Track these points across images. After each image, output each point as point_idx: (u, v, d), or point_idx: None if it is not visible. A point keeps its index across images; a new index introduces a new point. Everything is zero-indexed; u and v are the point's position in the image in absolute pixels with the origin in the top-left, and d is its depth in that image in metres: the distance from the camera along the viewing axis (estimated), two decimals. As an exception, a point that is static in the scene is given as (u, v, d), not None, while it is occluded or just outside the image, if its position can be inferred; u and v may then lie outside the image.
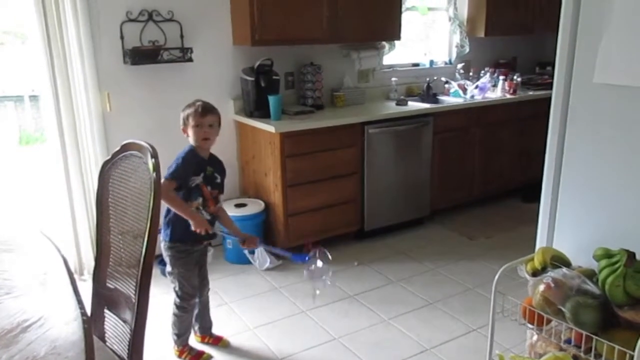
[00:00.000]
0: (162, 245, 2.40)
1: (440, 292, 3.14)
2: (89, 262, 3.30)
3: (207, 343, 2.64)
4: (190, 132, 2.35)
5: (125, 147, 1.83)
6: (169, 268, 2.45)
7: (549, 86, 4.59)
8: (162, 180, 2.16)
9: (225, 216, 2.57)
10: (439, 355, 2.54)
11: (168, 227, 2.39)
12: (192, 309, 2.53)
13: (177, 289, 2.45)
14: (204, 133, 2.34)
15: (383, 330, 2.77)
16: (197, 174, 2.34)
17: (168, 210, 2.37)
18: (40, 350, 1.21)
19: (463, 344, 2.63)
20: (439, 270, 3.42)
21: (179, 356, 2.52)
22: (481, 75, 4.62)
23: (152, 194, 1.63)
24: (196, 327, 2.63)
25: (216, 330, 2.68)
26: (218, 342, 2.64)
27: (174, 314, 2.49)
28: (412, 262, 3.55)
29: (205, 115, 2.33)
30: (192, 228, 2.31)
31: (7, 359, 1.18)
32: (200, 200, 2.36)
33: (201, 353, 2.54)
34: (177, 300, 2.46)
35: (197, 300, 2.53)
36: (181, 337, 2.52)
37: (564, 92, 1.69)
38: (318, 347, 2.63)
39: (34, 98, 6.73)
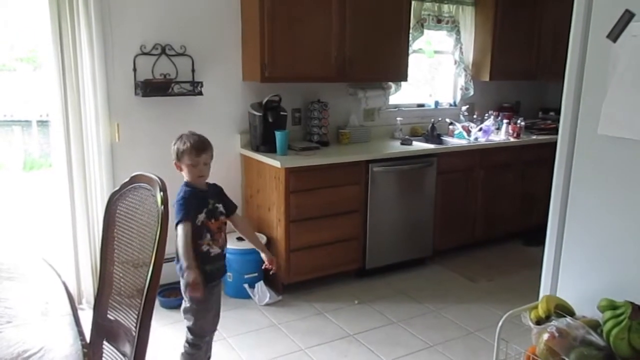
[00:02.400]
0: (182, 281, 2.31)
1: (440, 334, 3.10)
2: (88, 291, 3.28)
3: None
4: (184, 169, 2.28)
5: (134, 179, 1.85)
6: (186, 304, 2.35)
7: (553, 131, 4.72)
8: (178, 228, 2.18)
9: (246, 228, 2.58)
10: (439, 401, 2.50)
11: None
12: (206, 347, 2.43)
13: (192, 325, 2.35)
14: (199, 171, 2.28)
15: (382, 372, 2.73)
16: (201, 211, 2.28)
17: None
18: (40, 383, 1.20)
19: (463, 390, 2.59)
20: (440, 312, 3.39)
21: None
22: (485, 117, 4.68)
23: (159, 226, 1.64)
24: None
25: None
26: None
27: (186, 352, 2.38)
28: (413, 302, 3.52)
29: (200, 154, 2.26)
30: (184, 289, 2.27)
31: (6, 391, 1.17)
32: (208, 236, 2.30)
33: None
34: (191, 337, 2.36)
35: (209, 337, 2.45)
36: None
37: (568, 141, 1.72)
38: (316, 387, 2.59)
39: (41, 123, 6.82)
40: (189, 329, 2.36)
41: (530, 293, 1.96)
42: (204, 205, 2.30)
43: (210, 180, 2.40)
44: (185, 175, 2.31)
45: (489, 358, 2.81)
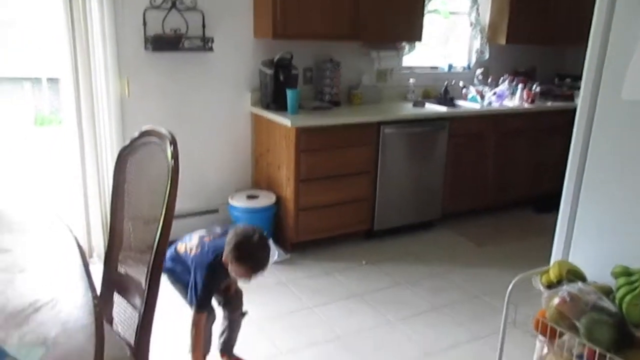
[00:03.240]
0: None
1: (447, 297, 3.12)
2: (99, 246, 3.31)
3: None
4: (233, 270, 2.12)
5: (144, 133, 1.83)
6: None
7: (568, 98, 4.62)
8: (193, 313, 2.16)
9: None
10: (443, 362, 2.53)
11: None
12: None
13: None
14: (243, 280, 2.20)
15: (387, 331, 2.76)
16: (225, 279, 2.23)
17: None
18: (51, 332, 1.21)
19: (467, 352, 2.61)
20: (447, 275, 3.40)
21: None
22: (499, 82, 4.59)
23: (170, 181, 1.62)
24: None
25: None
26: None
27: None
28: (420, 264, 3.53)
29: (257, 274, 2.12)
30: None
31: (19, 338, 1.18)
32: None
33: None
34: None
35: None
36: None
37: (589, 106, 1.67)
38: (321, 344, 2.62)
39: (51, 81, 6.78)
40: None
41: (538, 260, 1.94)
42: (227, 274, 2.19)
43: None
44: (230, 269, 2.14)
45: (494, 321, 2.83)
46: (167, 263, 2.20)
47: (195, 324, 2.19)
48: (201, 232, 2.30)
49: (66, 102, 3.16)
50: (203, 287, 2.14)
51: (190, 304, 2.18)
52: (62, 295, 1.38)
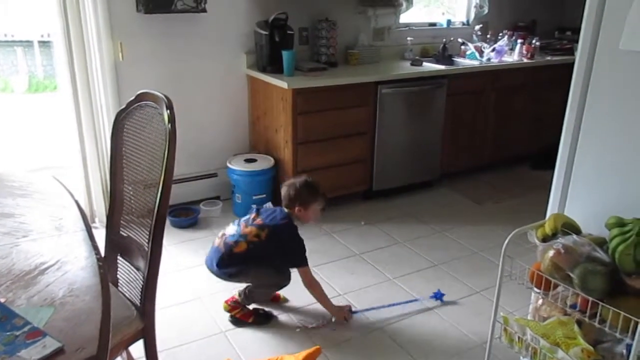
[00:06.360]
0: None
1: (445, 254, 3.17)
2: (100, 211, 3.34)
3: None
4: (311, 213, 2.50)
5: (140, 97, 1.82)
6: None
7: (568, 52, 4.57)
8: (304, 272, 2.42)
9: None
10: (441, 315, 2.59)
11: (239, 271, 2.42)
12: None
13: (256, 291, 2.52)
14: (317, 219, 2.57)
15: (387, 288, 2.81)
16: None
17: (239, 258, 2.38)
18: (58, 292, 1.24)
19: (466, 305, 2.68)
20: (445, 233, 3.44)
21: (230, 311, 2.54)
22: (499, 37, 4.52)
23: (167, 144, 1.63)
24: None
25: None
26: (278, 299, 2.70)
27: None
28: (419, 223, 3.57)
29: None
30: (336, 319, 2.49)
31: (27, 299, 1.21)
32: None
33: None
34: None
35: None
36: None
37: (587, 56, 1.65)
38: (323, 302, 2.68)
39: (43, 44, 6.68)
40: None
41: (536, 215, 1.97)
42: None
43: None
44: (302, 216, 2.50)
45: (492, 276, 2.88)
46: (232, 270, 2.38)
47: (310, 280, 2.46)
48: (239, 225, 2.45)
49: (60, 67, 3.12)
50: (299, 243, 2.43)
51: (299, 265, 2.42)
52: (67, 258, 1.41)
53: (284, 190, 2.50)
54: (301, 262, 2.43)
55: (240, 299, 2.51)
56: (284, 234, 2.40)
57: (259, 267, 2.39)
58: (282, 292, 2.65)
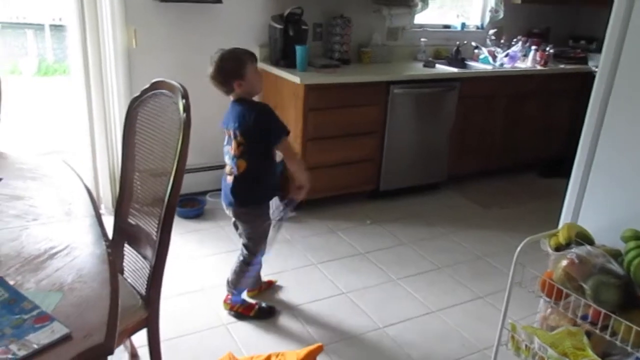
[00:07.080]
0: (241, 210, 2.39)
1: (450, 257, 3.15)
2: (107, 198, 3.34)
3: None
4: (252, 80, 2.23)
5: (154, 86, 1.81)
6: (246, 229, 2.43)
7: (582, 61, 4.53)
8: (284, 140, 2.29)
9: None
10: (444, 318, 2.58)
11: (252, 193, 2.39)
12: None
13: (250, 245, 2.45)
14: (259, 84, 2.31)
15: (391, 289, 2.80)
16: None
17: (247, 177, 2.35)
18: (67, 278, 1.23)
19: (468, 310, 2.66)
20: (451, 236, 3.43)
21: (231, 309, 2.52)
22: (513, 43, 4.49)
23: (182, 134, 1.62)
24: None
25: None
26: (271, 285, 2.73)
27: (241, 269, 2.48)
28: (424, 225, 3.56)
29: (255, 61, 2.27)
30: (300, 185, 2.38)
31: (36, 283, 1.20)
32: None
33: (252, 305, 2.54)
34: (246, 254, 2.46)
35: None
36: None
37: (610, 67, 1.63)
38: (326, 299, 2.67)
39: (54, 28, 6.65)
40: (246, 246, 2.46)
41: (543, 223, 1.96)
42: None
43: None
44: (249, 91, 2.27)
45: (495, 281, 2.88)
46: (247, 194, 2.37)
47: (292, 148, 2.41)
48: (228, 153, 2.40)
49: (73, 51, 3.11)
50: (275, 118, 2.28)
51: (281, 137, 2.29)
52: (76, 243, 1.40)
53: (212, 80, 2.27)
54: (282, 131, 2.29)
55: (229, 289, 2.50)
56: (250, 122, 2.25)
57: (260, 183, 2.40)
58: (280, 291, 2.64)
